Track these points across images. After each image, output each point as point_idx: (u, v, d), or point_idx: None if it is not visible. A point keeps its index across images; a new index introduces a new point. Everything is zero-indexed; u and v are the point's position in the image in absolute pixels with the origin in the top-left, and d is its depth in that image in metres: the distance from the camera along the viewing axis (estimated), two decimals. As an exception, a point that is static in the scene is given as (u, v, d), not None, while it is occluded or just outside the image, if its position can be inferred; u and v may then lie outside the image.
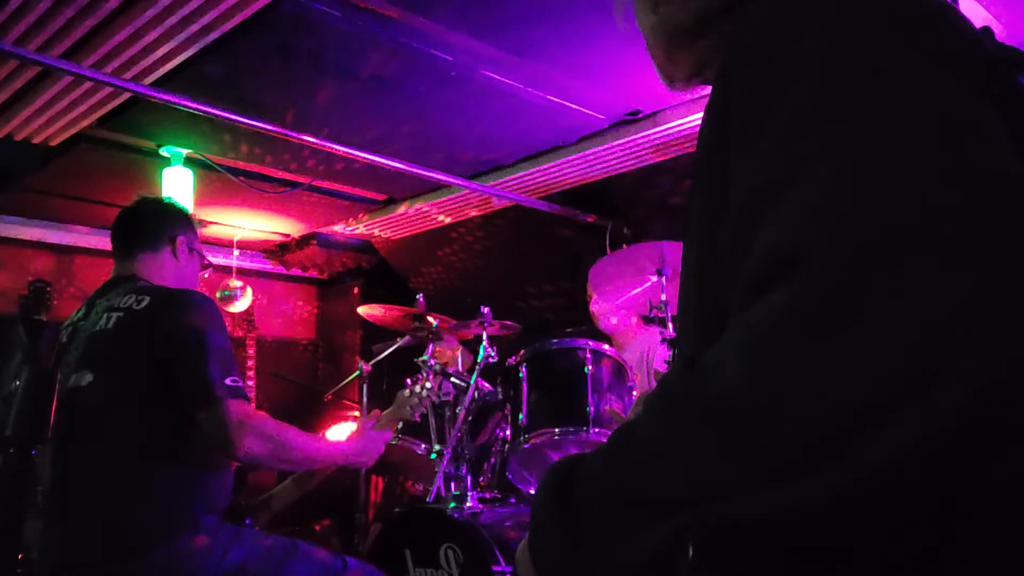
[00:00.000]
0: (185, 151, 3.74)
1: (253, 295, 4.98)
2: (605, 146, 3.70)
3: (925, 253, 0.50)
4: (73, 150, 3.62)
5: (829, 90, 0.59)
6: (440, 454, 2.84)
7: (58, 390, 1.97)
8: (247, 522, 2.15)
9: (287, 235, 5.28)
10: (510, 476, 2.92)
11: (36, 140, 3.49)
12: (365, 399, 3.63)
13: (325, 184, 4.34)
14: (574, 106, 3.36)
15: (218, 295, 4.85)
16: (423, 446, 2.93)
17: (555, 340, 2.93)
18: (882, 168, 0.54)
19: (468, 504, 2.65)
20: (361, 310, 3.54)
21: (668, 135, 3.56)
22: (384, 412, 2.32)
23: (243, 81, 3.07)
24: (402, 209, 4.68)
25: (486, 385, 2.95)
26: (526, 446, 2.70)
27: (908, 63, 0.59)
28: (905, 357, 0.49)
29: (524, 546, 0.73)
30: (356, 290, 5.86)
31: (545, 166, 3.95)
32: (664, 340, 2.81)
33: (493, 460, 2.96)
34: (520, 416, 2.76)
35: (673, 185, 3.98)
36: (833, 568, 0.57)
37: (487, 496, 2.82)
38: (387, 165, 3.66)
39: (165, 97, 2.94)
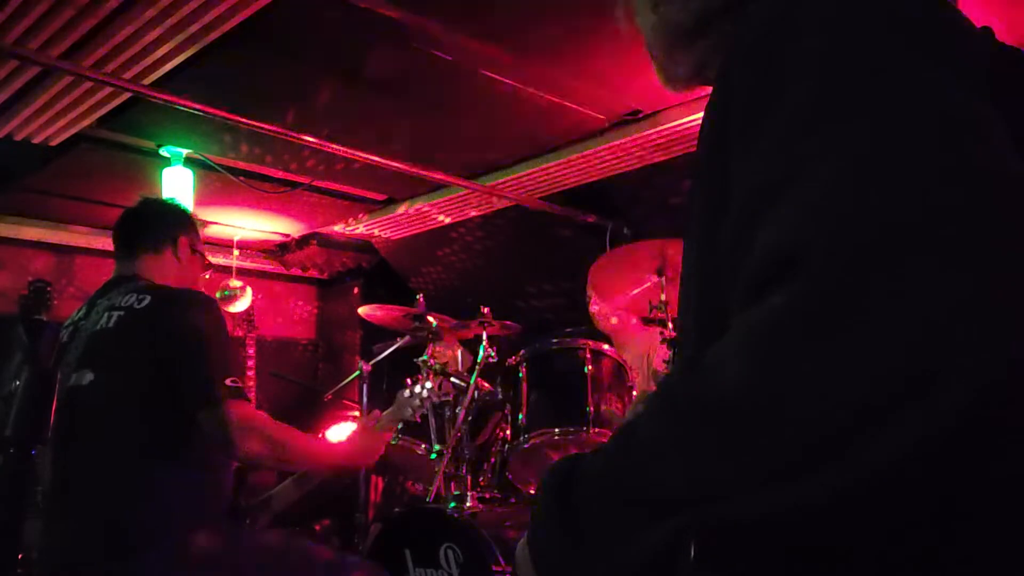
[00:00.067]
0: (185, 151, 3.74)
1: (253, 295, 4.98)
2: (605, 146, 3.69)
3: (925, 253, 0.50)
4: (73, 150, 3.62)
5: (829, 90, 0.59)
6: (440, 454, 2.84)
7: (58, 389, 1.97)
8: (247, 522, 2.15)
9: (287, 235, 5.28)
10: (510, 476, 2.92)
11: (36, 140, 3.49)
12: (365, 399, 3.62)
13: (325, 184, 4.34)
14: (574, 106, 3.36)
15: (218, 295, 4.85)
16: (423, 446, 2.93)
17: (555, 340, 2.93)
18: (882, 168, 0.54)
19: (468, 504, 2.65)
20: (361, 310, 3.54)
21: (668, 135, 3.56)
22: (384, 412, 2.32)
23: (243, 81, 3.07)
24: (402, 209, 4.67)
25: (486, 385, 2.95)
26: (526, 446, 2.70)
27: (908, 63, 0.59)
28: (905, 357, 0.49)
29: (524, 544, 0.73)
30: (356, 290, 5.85)
31: (545, 166, 3.94)
32: (664, 340, 2.81)
33: (493, 460, 2.96)
34: (520, 416, 2.76)
35: (673, 185, 3.97)
36: (833, 568, 0.57)
37: (487, 496, 2.82)
38: (387, 165, 3.66)
39: (165, 97, 2.94)
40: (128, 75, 2.91)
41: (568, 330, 3.81)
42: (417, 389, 2.38)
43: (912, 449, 0.50)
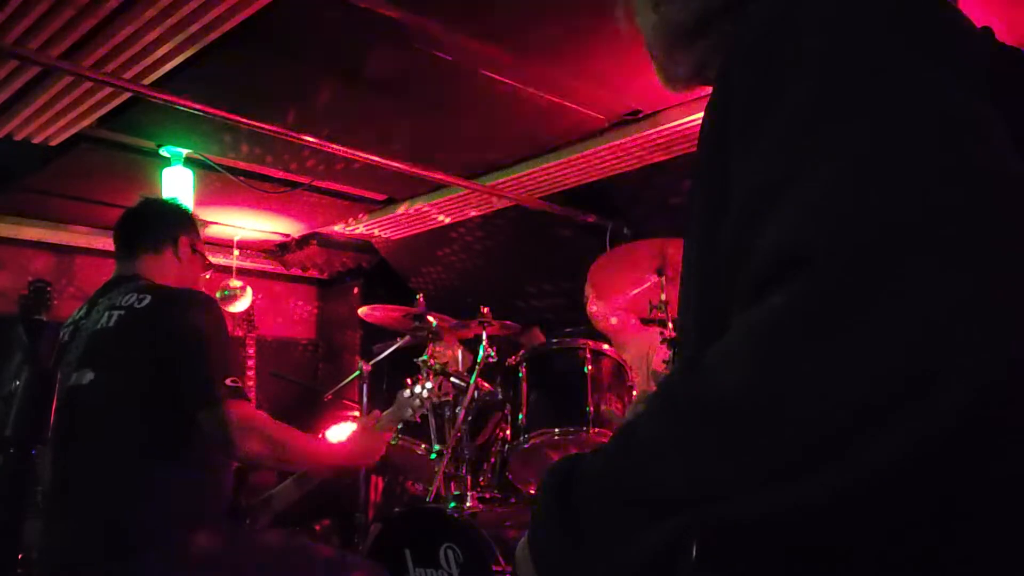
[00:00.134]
0: (185, 151, 3.74)
1: (253, 295, 4.98)
2: (605, 146, 3.69)
3: (925, 253, 0.50)
4: (73, 150, 3.62)
5: (829, 90, 0.59)
6: (440, 454, 2.84)
7: (59, 389, 1.96)
8: (247, 522, 2.15)
9: (287, 235, 5.28)
10: (510, 476, 2.92)
11: (36, 140, 3.49)
12: (365, 399, 3.62)
13: (325, 184, 4.34)
14: (574, 106, 3.36)
15: (218, 295, 4.85)
16: (423, 446, 2.93)
17: (555, 340, 2.93)
18: (882, 168, 0.54)
19: (468, 504, 2.65)
20: (361, 310, 3.54)
21: (668, 135, 3.56)
22: (384, 412, 2.32)
23: (243, 81, 3.07)
24: (402, 209, 4.67)
25: (486, 385, 2.95)
26: (526, 446, 2.70)
27: (908, 63, 0.59)
28: (905, 357, 0.49)
29: (524, 544, 0.73)
30: (356, 290, 5.85)
31: (545, 166, 3.94)
32: (664, 340, 2.81)
33: (493, 460, 2.96)
34: (520, 416, 2.76)
35: (673, 185, 3.97)
36: (833, 568, 0.57)
37: (487, 496, 2.82)
38: (387, 165, 3.66)
39: (165, 97, 2.94)
40: (128, 75, 2.91)
41: (568, 330, 3.81)
42: (417, 389, 2.38)
43: (912, 449, 0.50)
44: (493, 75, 3.06)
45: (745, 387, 0.54)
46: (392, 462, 3.35)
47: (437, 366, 2.85)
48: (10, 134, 3.40)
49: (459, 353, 3.94)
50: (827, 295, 0.52)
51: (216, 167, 3.91)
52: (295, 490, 2.27)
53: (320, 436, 4.35)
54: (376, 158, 3.59)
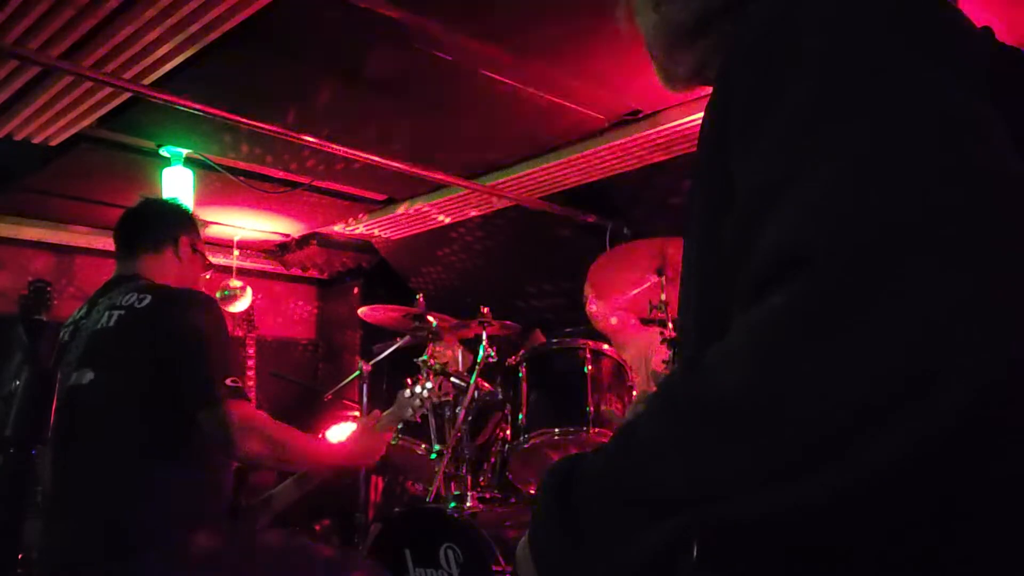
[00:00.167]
0: (185, 151, 3.74)
1: (253, 295, 4.98)
2: (605, 146, 3.69)
3: (925, 253, 0.50)
4: (73, 150, 3.62)
5: (829, 90, 0.59)
6: (440, 454, 2.84)
7: (59, 389, 1.96)
8: (247, 522, 2.15)
9: (287, 235, 5.28)
10: (510, 476, 2.92)
11: (36, 140, 3.49)
12: (365, 399, 3.62)
13: (325, 184, 4.34)
14: (574, 106, 3.36)
15: (218, 295, 4.85)
16: (423, 446, 2.93)
17: (555, 340, 2.93)
18: (882, 168, 0.54)
19: (468, 504, 2.65)
20: (361, 310, 3.54)
21: (668, 135, 3.56)
22: (384, 413, 2.32)
23: (243, 81, 3.07)
24: (402, 209, 4.67)
25: (486, 385, 2.95)
26: (526, 446, 2.70)
27: (908, 63, 0.59)
28: (905, 357, 0.49)
29: (524, 544, 0.73)
30: (356, 290, 5.85)
31: (545, 166, 3.94)
32: (664, 340, 2.81)
33: (493, 460, 2.96)
34: (520, 416, 2.76)
35: (673, 185, 3.98)
36: (833, 568, 0.58)
37: (487, 496, 2.82)
38: (387, 165, 3.66)
39: (165, 97, 2.94)
40: (128, 75, 2.91)
41: (568, 330, 3.81)
42: (417, 389, 2.38)
43: (912, 449, 0.50)
44: (493, 75, 3.06)
45: (745, 387, 0.54)
46: (392, 462, 3.35)
47: (437, 366, 2.85)
48: (10, 134, 3.40)
49: (459, 353, 3.94)
50: (827, 295, 0.52)
51: (216, 167, 3.91)
52: (295, 490, 2.27)
53: (320, 436, 4.35)
54: (376, 158, 3.59)
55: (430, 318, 3.27)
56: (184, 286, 2.11)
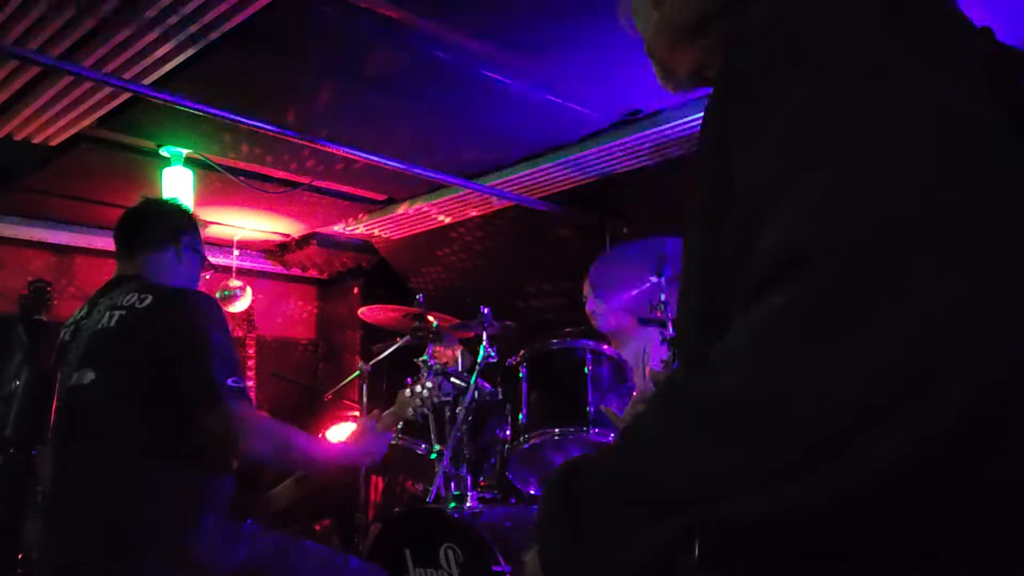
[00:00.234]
0: (185, 151, 3.74)
1: (253, 295, 4.98)
2: (605, 146, 3.69)
3: (925, 253, 0.50)
4: (73, 150, 3.62)
5: (829, 90, 0.59)
6: (440, 454, 2.84)
7: (59, 389, 1.96)
8: (248, 522, 2.15)
9: (287, 235, 5.28)
10: (510, 476, 2.92)
11: (36, 140, 3.49)
12: (365, 399, 3.63)
13: (325, 184, 4.34)
14: (574, 106, 3.36)
15: (218, 295, 4.84)
16: (423, 446, 2.93)
17: (555, 340, 2.93)
18: (882, 168, 0.54)
19: (468, 504, 2.65)
20: (361, 310, 3.54)
21: (668, 135, 3.56)
22: (385, 412, 2.32)
23: (243, 81, 3.07)
24: (402, 209, 4.67)
25: (486, 385, 2.94)
26: (526, 446, 2.70)
27: (908, 63, 0.59)
28: (905, 357, 0.49)
29: (532, 546, 0.74)
30: (356, 290, 5.85)
31: (545, 166, 3.95)
32: (664, 340, 2.81)
33: (493, 460, 2.96)
34: (520, 416, 2.76)
35: (673, 185, 3.97)
36: (833, 568, 0.57)
37: (487, 496, 2.82)
38: (387, 165, 3.66)
39: (165, 97, 2.94)
40: (128, 75, 2.91)
41: (568, 330, 3.81)
42: (418, 389, 2.38)
43: (912, 449, 0.50)
44: (493, 75, 3.06)
45: (745, 387, 0.54)
46: (392, 462, 3.35)
47: (437, 366, 2.85)
48: (10, 134, 3.41)
49: (459, 353, 3.94)
50: (827, 295, 0.52)
51: (216, 167, 3.91)
52: (295, 490, 2.27)
53: (320, 436, 4.35)
54: (376, 158, 3.59)
55: (430, 318, 3.27)
56: (184, 286, 2.11)
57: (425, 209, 4.64)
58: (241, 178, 4.05)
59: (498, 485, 2.94)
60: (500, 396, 2.91)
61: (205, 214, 4.49)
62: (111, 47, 2.73)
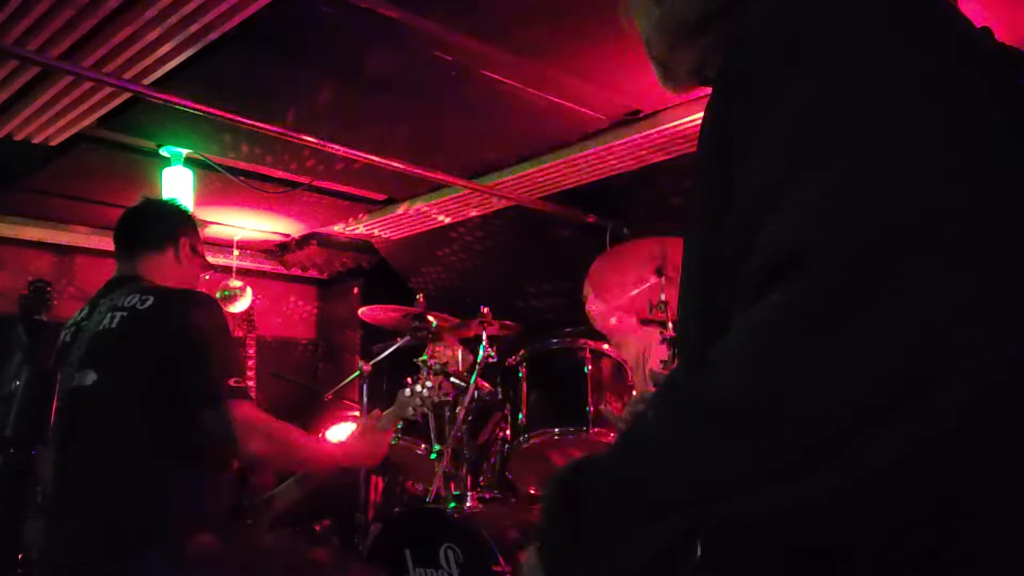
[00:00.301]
0: (185, 151, 3.74)
1: (253, 295, 4.98)
2: (605, 146, 3.69)
3: (925, 253, 0.50)
4: (73, 150, 3.62)
5: (829, 90, 0.59)
6: (440, 454, 2.84)
7: (60, 389, 1.96)
8: (248, 522, 2.15)
9: (287, 235, 5.28)
10: (510, 476, 2.92)
11: (36, 140, 3.49)
12: (365, 399, 3.62)
13: (325, 184, 4.34)
14: (574, 106, 3.36)
15: (218, 295, 4.84)
16: (423, 446, 2.93)
17: (555, 340, 2.93)
18: (882, 168, 0.54)
19: (468, 504, 2.65)
20: (361, 310, 3.54)
21: (668, 135, 3.56)
22: (385, 412, 2.32)
23: (243, 81, 3.07)
24: (402, 209, 4.67)
25: (486, 385, 2.95)
26: (526, 446, 2.70)
27: (908, 63, 0.59)
28: (905, 357, 0.49)
29: (532, 547, 0.73)
30: (356, 290, 5.85)
31: (545, 166, 3.94)
32: (664, 340, 2.81)
33: (493, 460, 2.96)
34: (520, 416, 2.76)
35: (673, 185, 3.98)
36: (833, 568, 0.58)
37: (487, 496, 2.82)
38: (387, 165, 3.66)
39: (165, 97, 2.94)
40: (128, 75, 2.91)
41: (568, 330, 3.81)
42: (418, 388, 2.38)
43: (912, 449, 0.50)
44: (493, 75, 3.06)
45: (745, 387, 0.54)
46: (392, 462, 3.35)
47: (437, 366, 2.85)
48: (10, 134, 3.40)
49: (459, 353, 3.94)
50: (827, 295, 0.52)
51: (216, 167, 3.90)
52: (296, 490, 2.27)
53: (320, 436, 4.35)
54: (376, 158, 3.59)
55: (430, 318, 3.27)
56: (184, 287, 2.11)
57: (425, 209, 4.64)
58: (241, 178, 4.05)
59: (498, 485, 2.94)
60: (500, 396, 2.91)
61: (205, 214, 4.50)
62: (111, 47, 2.73)
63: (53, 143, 3.54)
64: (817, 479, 0.52)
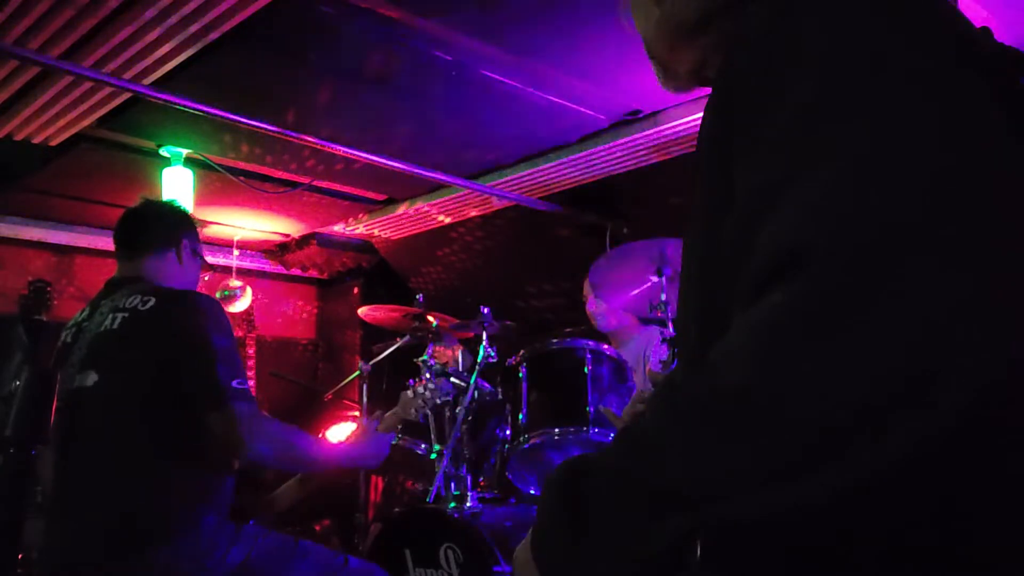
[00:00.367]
0: (185, 151, 3.74)
1: (253, 295, 4.98)
2: (605, 146, 3.69)
3: (925, 253, 0.50)
4: (73, 150, 3.62)
5: (829, 90, 0.59)
6: (440, 454, 2.84)
7: (61, 390, 1.96)
8: (251, 522, 2.15)
9: (287, 235, 5.28)
10: (510, 476, 2.92)
11: (36, 140, 3.49)
12: (365, 399, 3.62)
13: (325, 184, 4.34)
14: (574, 106, 3.36)
15: (218, 295, 4.84)
16: (423, 446, 2.93)
17: (555, 340, 2.93)
18: (882, 168, 0.54)
19: (468, 504, 2.65)
20: (361, 310, 3.54)
21: (668, 135, 3.56)
22: (387, 413, 2.32)
23: (243, 81, 3.07)
24: (402, 209, 4.67)
25: (486, 385, 2.94)
26: (526, 446, 2.70)
27: (908, 63, 0.59)
28: (905, 357, 0.49)
29: (525, 545, 0.73)
30: (356, 290, 5.85)
31: (545, 166, 3.94)
32: (664, 340, 2.81)
33: (493, 460, 2.96)
34: (520, 416, 2.76)
35: (673, 185, 3.97)
36: (833, 568, 0.57)
37: (487, 496, 2.82)
38: (387, 165, 3.66)
39: (165, 97, 2.94)
40: (128, 75, 2.91)
41: (568, 330, 3.81)
42: (420, 389, 2.38)
43: (912, 449, 0.50)
44: (493, 75, 3.06)
45: (745, 387, 0.54)
46: (392, 462, 3.35)
47: (437, 366, 2.85)
48: (10, 134, 3.40)
49: (459, 353, 3.94)
50: (827, 295, 0.52)
51: (216, 167, 3.90)
52: (298, 490, 2.27)
53: (320, 436, 4.35)
54: (376, 158, 3.59)
55: (430, 318, 3.27)
56: (185, 288, 2.12)
57: (425, 209, 4.64)
58: (241, 178, 4.05)
59: (498, 485, 2.94)
60: (500, 396, 2.91)
61: (205, 214, 4.50)
62: (111, 47, 2.73)
63: (53, 143, 3.53)
64: (817, 479, 0.52)
